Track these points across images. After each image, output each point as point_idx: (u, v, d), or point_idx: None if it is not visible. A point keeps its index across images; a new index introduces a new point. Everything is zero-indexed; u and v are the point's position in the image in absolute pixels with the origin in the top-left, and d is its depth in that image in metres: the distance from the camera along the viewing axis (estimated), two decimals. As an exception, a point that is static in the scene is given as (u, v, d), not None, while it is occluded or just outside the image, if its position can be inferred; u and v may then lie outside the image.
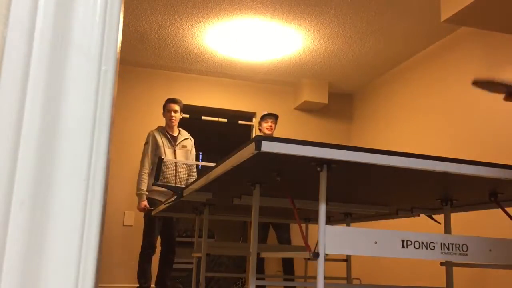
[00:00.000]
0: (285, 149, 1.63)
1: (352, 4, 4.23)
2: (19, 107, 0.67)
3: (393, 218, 3.40)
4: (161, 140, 4.48)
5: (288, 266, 4.80)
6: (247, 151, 1.68)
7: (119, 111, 5.60)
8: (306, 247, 1.87)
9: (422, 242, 1.95)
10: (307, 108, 6.23)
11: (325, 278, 1.81)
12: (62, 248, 0.66)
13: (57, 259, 0.66)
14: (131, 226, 5.38)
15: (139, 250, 4.42)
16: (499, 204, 2.38)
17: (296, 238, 5.21)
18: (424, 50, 5.08)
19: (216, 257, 5.23)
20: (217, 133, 6.98)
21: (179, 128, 4.66)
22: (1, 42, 0.67)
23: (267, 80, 6.10)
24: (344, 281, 4.85)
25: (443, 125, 4.67)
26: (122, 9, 0.78)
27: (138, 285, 4.42)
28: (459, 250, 2.01)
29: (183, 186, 4.22)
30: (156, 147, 4.46)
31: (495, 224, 3.86)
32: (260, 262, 4.74)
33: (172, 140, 4.55)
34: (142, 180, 4.38)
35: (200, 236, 4.05)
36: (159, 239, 4.51)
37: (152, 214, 4.16)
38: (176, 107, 4.56)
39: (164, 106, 4.61)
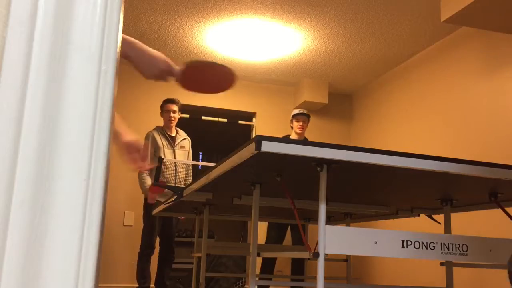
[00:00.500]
0: (285, 149, 1.63)
1: (352, 4, 4.23)
2: (19, 107, 0.67)
3: (393, 218, 3.40)
4: (161, 141, 4.48)
5: (296, 266, 4.78)
6: (247, 151, 1.68)
7: (119, 111, 5.60)
8: (306, 247, 1.87)
9: (422, 242, 1.95)
10: (307, 108, 6.22)
11: (325, 278, 1.81)
12: (62, 248, 0.66)
13: (57, 259, 0.66)
14: (131, 226, 5.38)
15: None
16: (499, 204, 2.38)
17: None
18: (424, 50, 5.08)
19: (216, 257, 5.23)
20: (217, 133, 6.98)
21: (177, 128, 4.66)
22: (1, 42, 0.67)
23: (267, 80, 6.10)
24: (344, 281, 4.85)
25: (443, 125, 4.67)
26: (122, 9, 0.78)
27: (137, 285, 4.43)
28: (459, 250, 2.01)
29: (183, 186, 4.22)
30: (156, 148, 4.46)
31: (495, 224, 3.86)
32: (271, 262, 4.72)
33: (171, 141, 4.55)
34: (144, 179, 4.38)
35: (200, 236, 4.05)
36: (158, 239, 4.51)
37: (152, 214, 4.16)
38: (175, 107, 4.56)
39: (162, 107, 4.60)
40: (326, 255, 1.77)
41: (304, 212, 3.73)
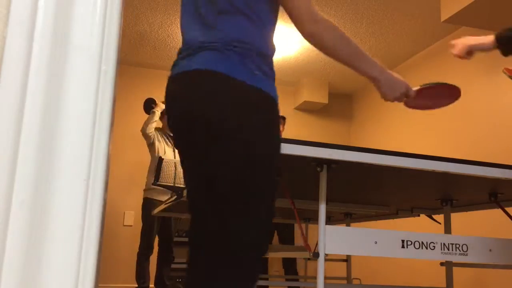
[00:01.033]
0: (285, 149, 1.63)
1: (352, 4, 4.23)
2: (19, 107, 0.67)
3: (393, 218, 3.40)
4: (161, 138, 4.50)
5: (288, 266, 4.80)
6: (247, 151, 1.68)
7: (119, 111, 5.60)
8: (306, 247, 1.87)
9: (422, 242, 1.95)
10: (307, 108, 6.23)
11: (325, 278, 1.81)
12: (62, 248, 0.66)
13: (57, 259, 0.66)
14: (131, 226, 5.38)
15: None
16: (499, 204, 2.38)
17: (296, 238, 5.21)
18: (424, 50, 5.08)
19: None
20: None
21: None
22: (1, 42, 0.67)
23: (267, 80, 6.10)
24: (344, 281, 4.85)
25: (443, 125, 4.67)
26: (122, 9, 0.78)
27: (137, 286, 4.43)
28: (459, 250, 2.01)
29: (182, 186, 4.21)
30: (158, 142, 4.47)
31: (495, 224, 3.86)
32: (264, 262, 4.75)
33: (172, 140, 4.56)
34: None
35: (200, 236, 4.04)
36: (156, 239, 4.51)
37: (152, 214, 4.16)
38: None
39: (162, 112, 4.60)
40: (326, 255, 1.77)
41: (304, 212, 3.73)
